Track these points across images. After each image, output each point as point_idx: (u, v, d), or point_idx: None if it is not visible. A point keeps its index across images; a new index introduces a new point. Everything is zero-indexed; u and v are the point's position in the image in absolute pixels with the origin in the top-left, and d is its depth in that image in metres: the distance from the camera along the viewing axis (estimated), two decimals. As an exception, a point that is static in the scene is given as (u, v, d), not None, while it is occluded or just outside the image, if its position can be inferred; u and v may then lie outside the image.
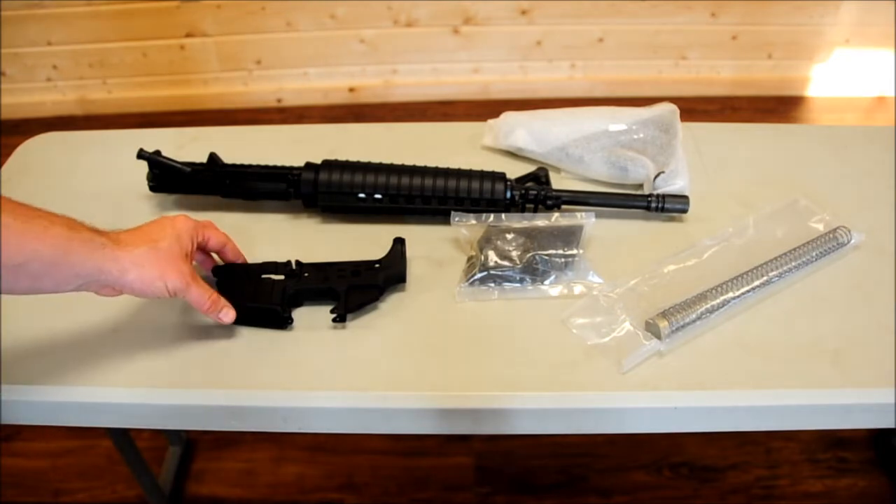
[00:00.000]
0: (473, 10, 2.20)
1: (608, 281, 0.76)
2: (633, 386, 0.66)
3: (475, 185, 0.81)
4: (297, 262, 0.74)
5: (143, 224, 0.65)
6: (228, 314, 0.67)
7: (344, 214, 0.84)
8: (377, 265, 0.74)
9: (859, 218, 0.83)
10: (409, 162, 0.83)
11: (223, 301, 0.67)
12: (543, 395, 0.66)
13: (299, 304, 0.73)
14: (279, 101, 2.36)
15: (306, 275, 0.72)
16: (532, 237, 0.78)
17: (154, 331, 0.71)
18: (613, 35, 2.27)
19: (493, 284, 0.76)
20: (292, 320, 0.70)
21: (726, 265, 0.76)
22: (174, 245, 0.63)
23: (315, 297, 0.73)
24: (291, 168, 0.82)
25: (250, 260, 0.76)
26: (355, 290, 0.71)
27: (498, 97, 2.37)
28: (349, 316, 0.71)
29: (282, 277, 0.72)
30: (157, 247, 0.62)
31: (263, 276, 0.72)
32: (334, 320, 0.70)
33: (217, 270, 0.73)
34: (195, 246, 0.68)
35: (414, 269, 0.78)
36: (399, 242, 0.76)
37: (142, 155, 0.81)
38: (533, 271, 0.76)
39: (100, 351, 0.70)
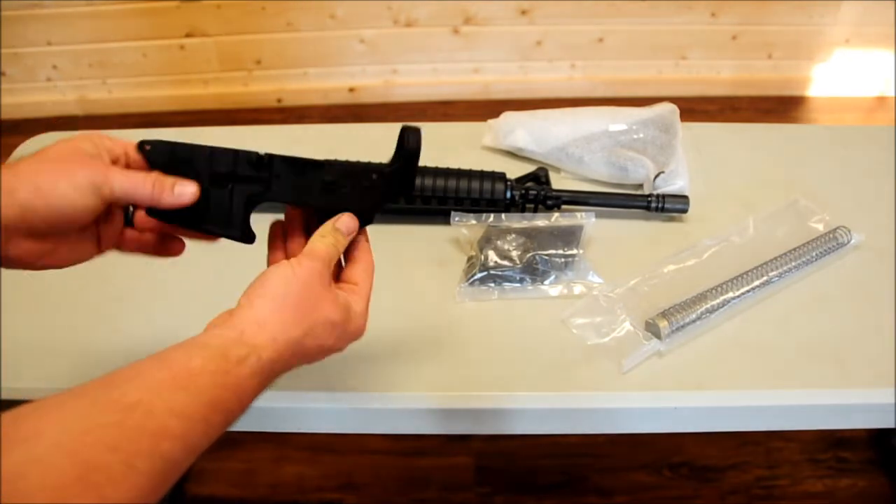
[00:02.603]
0: (473, 10, 2.20)
1: (608, 281, 0.76)
2: (633, 386, 0.66)
3: (475, 185, 0.81)
4: (267, 157, 0.52)
5: None
6: (186, 188, 0.48)
7: (344, 214, 0.84)
8: (375, 175, 0.54)
9: (859, 218, 0.83)
10: (409, 162, 0.83)
11: (169, 178, 0.48)
12: (543, 395, 0.66)
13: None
14: (279, 101, 2.36)
15: (279, 178, 0.52)
16: (532, 237, 0.78)
17: (154, 330, 0.71)
18: (613, 35, 2.27)
19: (493, 284, 0.76)
20: (254, 236, 0.53)
21: (726, 265, 0.76)
22: (70, 146, 0.46)
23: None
24: (291, 168, 0.82)
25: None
26: (343, 212, 0.53)
27: (498, 97, 2.37)
28: None
29: (245, 180, 0.52)
30: (45, 155, 0.45)
31: (214, 172, 0.50)
32: None
33: (152, 151, 0.50)
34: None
35: (414, 269, 0.78)
36: (410, 135, 0.53)
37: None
38: (533, 271, 0.76)
39: (100, 351, 0.70)
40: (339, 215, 0.52)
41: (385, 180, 0.54)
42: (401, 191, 0.55)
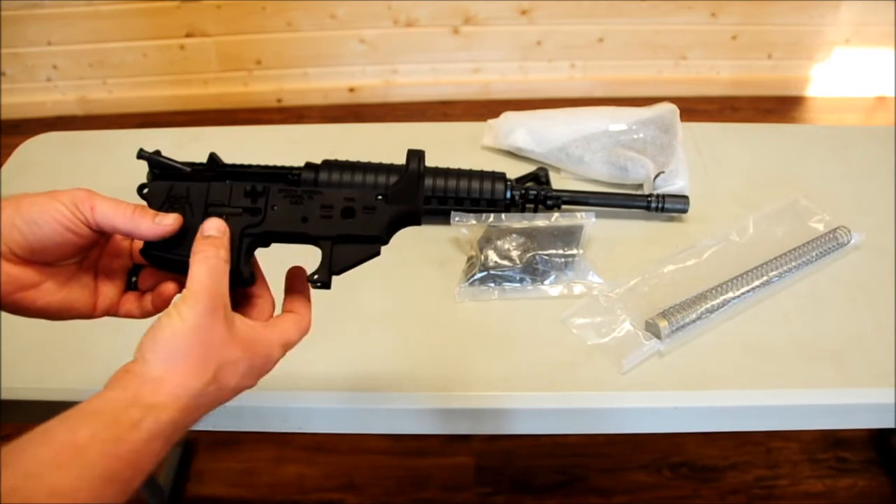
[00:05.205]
0: (473, 10, 2.20)
1: (608, 281, 0.76)
2: (633, 386, 0.66)
3: (475, 185, 0.81)
4: (262, 188, 0.50)
5: None
6: (166, 218, 0.47)
7: (344, 214, 0.84)
8: (380, 197, 0.51)
9: (859, 218, 0.83)
10: (409, 162, 0.83)
11: (153, 210, 0.47)
12: (543, 395, 0.66)
13: (266, 245, 0.51)
14: (279, 101, 2.36)
15: (275, 208, 0.50)
16: (532, 237, 0.78)
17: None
18: (613, 35, 2.27)
19: (493, 284, 0.76)
20: (254, 278, 0.50)
21: (726, 265, 0.76)
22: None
23: (287, 241, 0.51)
24: (291, 168, 0.82)
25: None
26: (346, 241, 0.50)
27: (498, 97, 2.37)
28: (338, 290, 0.52)
29: (239, 212, 0.49)
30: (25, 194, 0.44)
31: (212, 206, 0.49)
32: (314, 286, 0.50)
33: (149, 193, 0.50)
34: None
35: (414, 269, 0.78)
36: (414, 159, 0.52)
37: (142, 155, 0.81)
38: (533, 271, 0.76)
39: (100, 351, 0.70)
40: (202, 223, 0.47)
41: (389, 202, 0.50)
42: (408, 214, 0.51)
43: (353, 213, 0.50)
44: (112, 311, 0.50)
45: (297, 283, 0.51)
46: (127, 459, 0.38)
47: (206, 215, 0.48)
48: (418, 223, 0.51)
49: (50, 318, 0.47)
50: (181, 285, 0.49)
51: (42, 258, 0.45)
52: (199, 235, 0.46)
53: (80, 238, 0.45)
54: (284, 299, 0.51)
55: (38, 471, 0.35)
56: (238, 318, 0.45)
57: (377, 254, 0.50)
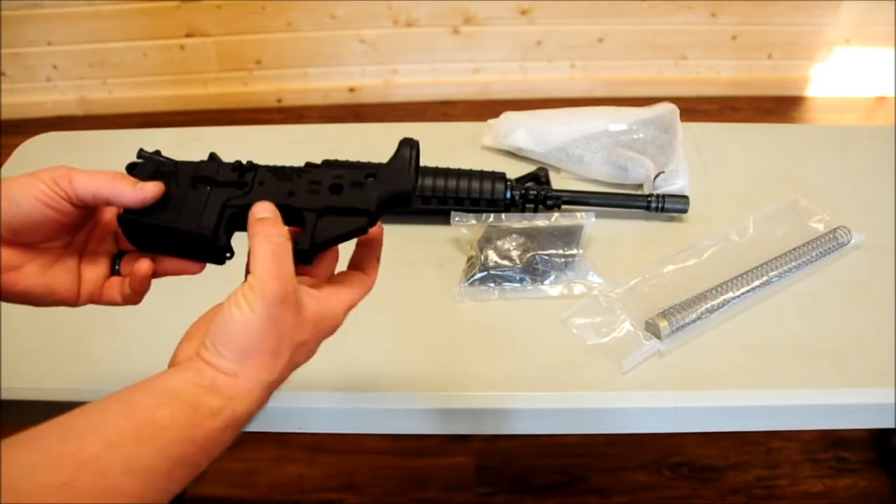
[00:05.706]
0: (473, 10, 2.20)
1: (608, 281, 0.76)
2: (633, 386, 0.66)
3: (475, 185, 0.81)
4: (249, 164, 0.50)
5: None
6: (148, 184, 0.46)
7: (344, 214, 0.84)
8: (370, 177, 0.50)
9: (859, 218, 0.83)
10: (409, 162, 0.83)
11: (133, 178, 0.47)
12: (543, 395, 0.66)
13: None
14: (279, 101, 2.36)
15: (261, 184, 0.49)
16: (532, 237, 0.78)
17: (154, 330, 0.71)
18: (613, 35, 2.27)
19: (493, 284, 0.76)
20: (232, 252, 0.49)
21: (726, 265, 0.76)
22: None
23: None
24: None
25: None
26: (331, 214, 0.48)
27: (498, 97, 2.37)
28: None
29: (225, 185, 0.49)
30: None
31: (197, 180, 0.49)
32: (296, 260, 0.45)
33: (138, 169, 0.50)
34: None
35: (414, 269, 0.78)
36: (408, 145, 0.51)
37: (142, 155, 0.81)
38: (533, 271, 0.76)
39: (99, 351, 0.70)
40: (252, 207, 0.45)
41: (379, 180, 0.49)
42: (398, 194, 0.49)
43: (341, 189, 0.49)
44: (95, 298, 0.49)
45: (371, 239, 0.51)
46: (200, 445, 0.38)
47: (193, 188, 0.48)
48: (409, 205, 0.50)
49: (32, 302, 0.46)
50: (156, 264, 0.49)
51: (24, 239, 0.44)
52: (251, 219, 0.44)
53: (62, 215, 0.44)
54: (354, 252, 0.51)
55: (121, 441, 0.35)
56: (304, 295, 0.44)
57: (364, 229, 0.48)
